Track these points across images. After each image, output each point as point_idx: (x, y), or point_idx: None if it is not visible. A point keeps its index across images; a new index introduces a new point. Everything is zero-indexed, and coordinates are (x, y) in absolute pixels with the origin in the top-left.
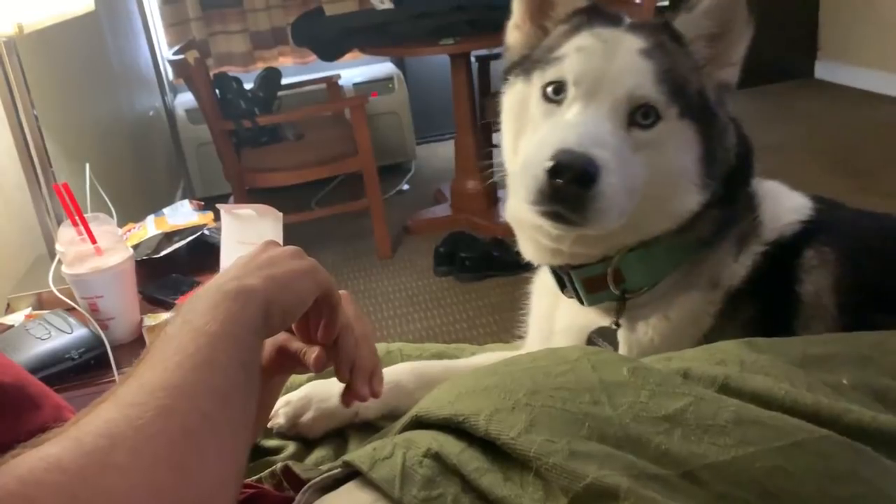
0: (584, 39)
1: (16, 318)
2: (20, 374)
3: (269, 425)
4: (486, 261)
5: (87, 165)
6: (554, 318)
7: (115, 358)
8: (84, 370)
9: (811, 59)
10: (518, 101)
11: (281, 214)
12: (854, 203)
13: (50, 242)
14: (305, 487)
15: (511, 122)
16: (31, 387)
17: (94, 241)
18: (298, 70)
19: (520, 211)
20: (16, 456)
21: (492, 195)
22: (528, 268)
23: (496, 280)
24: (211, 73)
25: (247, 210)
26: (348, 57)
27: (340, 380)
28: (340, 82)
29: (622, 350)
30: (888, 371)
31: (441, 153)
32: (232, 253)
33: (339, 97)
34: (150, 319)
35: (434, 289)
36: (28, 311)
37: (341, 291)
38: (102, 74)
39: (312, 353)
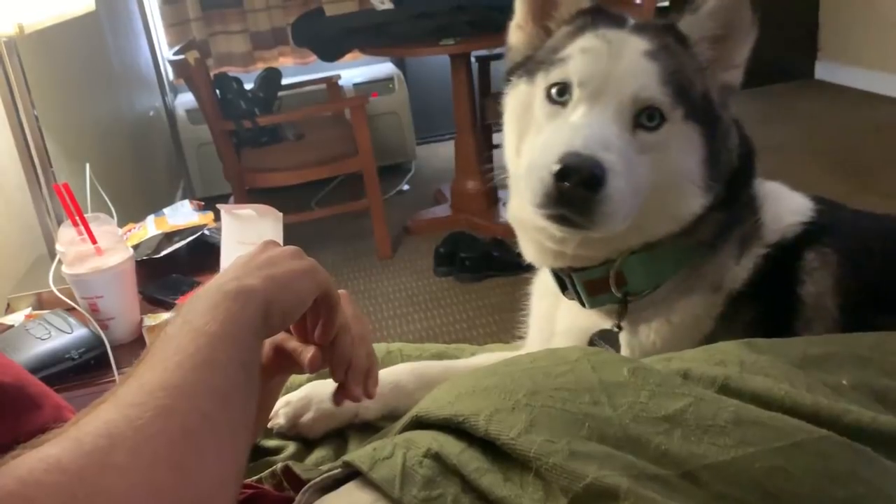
0: (588, 41)
1: (16, 318)
2: (20, 374)
3: (269, 425)
4: (486, 261)
5: (88, 165)
6: (554, 319)
7: (115, 358)
8: (84, 370)
9: (811, 60)
10: (521, 102)
11: (281, 215)
12: (854, 203)
13: (50, 242)
14: (305, 487)
15: (514, 123)
16: (31, 387)
17: (94, 241)
18: (299, 70)
19: (522, 212)
20: (16, 457)
21: (492, 195)
22: (529, 268)
23: (496, 280)
24: (211, 74)
25: (247, 210)
26: (348, 57)
27: (335, 380)
28: (341, 82)
29: (624, 353)
30: (888, 371)
31: (441, 153)
32: (232, 253)
33: (339, 97)
34: (150, 319)
35: (434, 289)
36: (28, 310)
37: (340, 291)
38: (103, 74)
39: (308, 353)
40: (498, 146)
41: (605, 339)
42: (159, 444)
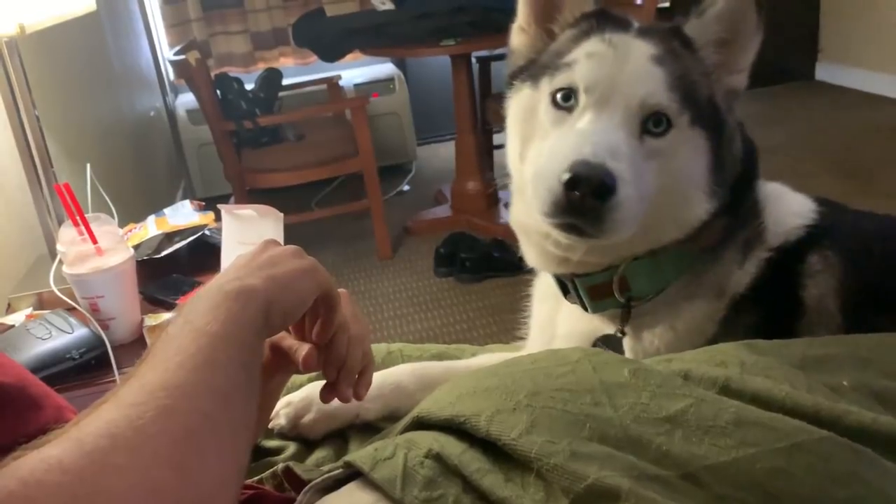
0: (594, 45)
1: (17, 318)
2: (21, 375)
3: (270, 426)
4: (486, 262)
5: (88, 165)
6: (555, 323)
7: (115, 358)
8: (85, 370)
9: (812, 61)
10: (525, 107)
11: (282, 215)
12: (855, 204)
13: (51, 242)
14: (306, 488)
15: (518, 128)
16: (32, 387)
17: (94, 242)
18: (299, 71)
19: (526, 218)
20: (17, 458)
21: (492, 196)
22: (529, 269)
23: (496, 281)
24: (212, 74)
25: (247, 210)
26: (349, 58)
27: (327, 378)
28: (341, 83)
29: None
30: (888, 373)
31: (442, 154)
32: (232, 253)
33: (339, 98)
34: (151, 320)
35: (434, 290)
36: (29, 310)
37: (340, 291)
38: (103, 75)
39: (303, 352)
40: (499, 147)
41: (608, 344)
42: (160, 445)
